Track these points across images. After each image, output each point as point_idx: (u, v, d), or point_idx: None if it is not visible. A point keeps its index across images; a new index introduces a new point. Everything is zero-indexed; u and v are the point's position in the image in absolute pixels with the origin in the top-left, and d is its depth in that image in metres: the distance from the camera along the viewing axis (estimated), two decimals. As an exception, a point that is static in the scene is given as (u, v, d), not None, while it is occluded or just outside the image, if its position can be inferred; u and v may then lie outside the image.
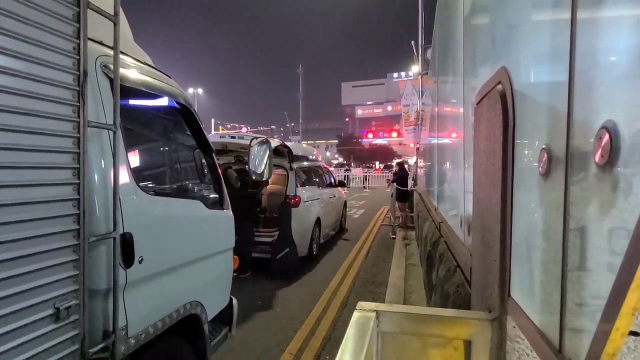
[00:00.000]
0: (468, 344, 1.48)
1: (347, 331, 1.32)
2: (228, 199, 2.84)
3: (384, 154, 59.12)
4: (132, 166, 1.86)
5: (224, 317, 2.84)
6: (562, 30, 0.96)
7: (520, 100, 1.31)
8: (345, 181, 15.48)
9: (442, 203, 4.50)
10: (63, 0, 1.43)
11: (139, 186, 1.87)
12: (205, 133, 2.69)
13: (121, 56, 1.76)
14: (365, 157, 60.68)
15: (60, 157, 1.44)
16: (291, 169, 6.37)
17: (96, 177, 1.60)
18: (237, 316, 3.03)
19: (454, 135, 3.57)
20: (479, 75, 2.13)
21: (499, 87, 1.46)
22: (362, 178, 30.21)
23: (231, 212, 2.85)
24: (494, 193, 1.48)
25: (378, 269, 6.53)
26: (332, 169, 14.75)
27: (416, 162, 13.33)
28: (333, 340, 3.88)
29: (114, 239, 1.62)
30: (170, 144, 2.62)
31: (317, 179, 8.14)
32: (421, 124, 11.54)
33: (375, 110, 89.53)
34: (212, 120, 42.29)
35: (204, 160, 2.68)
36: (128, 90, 1.85)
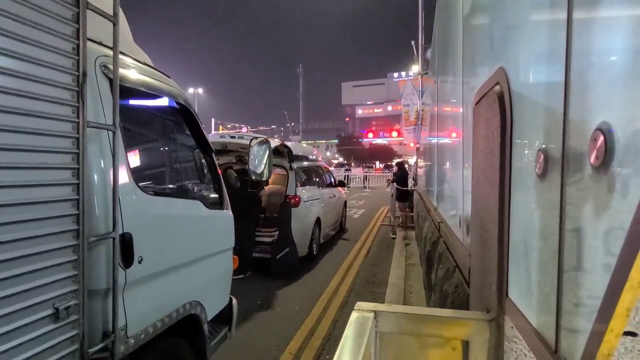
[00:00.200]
0: (466, 344, 1.48)
1: (346, 331, 1.33)
2: (228, 199, 2.84)
3: (384, 153, 59.09)
4: (131, 166, 1.86)
5: (224, 317, 2.84)
6: (558, 31, 0.96)
7: (517, 101, 1.32)
8: (346, 181, 15.49)
9: (442, 203, 4.50)
10: (62, 0, 1.44)
11: (139, 186, 1.87)
12: (205, 133, 2.69)
13: (121, 56, 1.76)
14: (366, 157, 60.67)
15: (59, 158, 1.44)
16: (291, 168, 6.37)
17: (95, 177, 1.61)
18: (237, 316, 3.03)
19: (453, 135, 3.57)
20: (477, 75, 2.14)
21: (497, 87, 1.46)
22: (362, 178, 30.20)
23: (231, 212, 2.86)
24: (492, 193, 1.48)
25: (378, 269, 6.53)
26: (332, 168, 14.76)
27: (416, 162, 13.33)
28: (333, 340, 3.88)
29: (114, 239, 1.63)
30: (170, 144, 2.62)
31: (317, 179, 8.14)
32: (421, 124, 11.55)
33: (376, 110, 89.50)
34: (212, 120, 42.30)
35: (203, 160, 2.69)
36: (127, 91, 1.86)
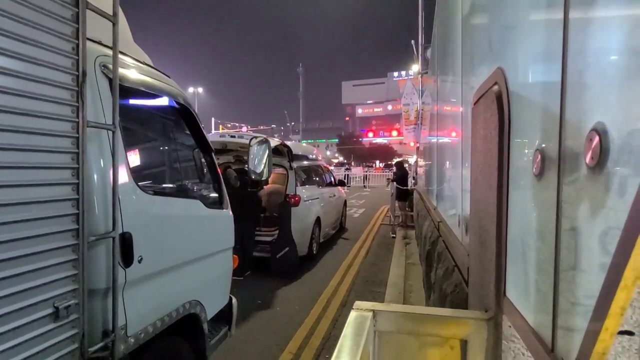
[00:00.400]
0: (464, 344, 1.49)
1: (344, 330, 1.33)
2: (227, 199, 2.85)
3: (385, 153, 59.11)
4: (131, 166, 1.87)
5: (224, 316, 2.85)
6: (555, 32, 0.96)
7: (515, 101, 1.32)
8: (345, 180, 15.48)
9: (441, 202, 4.51)
10: (62, 1, 1.44)
11: (138, 186, 1.88)
12: (205, 132, 2.70)
13: (120, 56, 1.76)
14: (366, 156, 60.67)
15: (59, 157, 1.45)
16: (291, 168, 6.37)
17: (95, 176, 1.61)
18: (237, 315, 3.04)
19: (453, 134, 3.58)
20: (476, 75, 2.14)
21: (495, 87, 1.46)
22: (362, 177, 30.20)
23: (231, 212, 2.87)
24: (490, 193, 1.49)
25: (378, 268, 6.54)
26: (332, 168, 14.77)
27: (416, 161, 13.33)
28: (333, 339, 3.89)
29: (113, 238, 1.63)
30: (170, 143, 2.63)
31: (317, 178, 8.15)
32: (421, 123, 11.55)
33: (376, 109, 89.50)
34: (212, 119, 42.28)
35: (203, 160, 2.69)
36: (127, 90, 1.86)
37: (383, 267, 6.59)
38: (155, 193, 2.10)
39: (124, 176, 1.76)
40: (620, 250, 0.65)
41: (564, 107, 0.91)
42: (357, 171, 35.14)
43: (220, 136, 6.34)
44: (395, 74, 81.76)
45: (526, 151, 1.22)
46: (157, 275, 1.99)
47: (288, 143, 6.80)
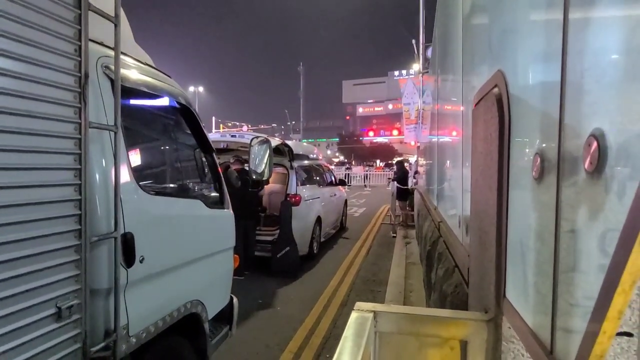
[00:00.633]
0: (464, 344, 1.50)
1: (345, 331, 1.34)
2: (228, 198, 2.86)
3: (385, 152, 59.04)
4: (133, 166, 1.87)
5: (225, 316, 2.86)
6: (555, 35, 0.97)
7: (515, 103, 1.32)
8: (346, 180, 15.47)
9: (442, 202, 4.51)
10: (64, 2, 1.45)
11: (140, 186, 1.89)
12: (206, 132, 2.71)
13: (122, 57, 1.77)
14: (366, 155, 60.59)
15: (62, 159, 1.45)
16: (292, 167, 6.38)
17: (97, 177, 1.62)
18: (238, 315, 3.05)
19: (453, 134, 3.58)
20: (477, 76, 2.15)
21: (496, 90, 1.47)
22: (362, 176, 30.19)
23: (231, 211, 2.87)
24: (490, 194, 1.49)
25: (378, 268, 6.55)
26: (332, 167, 14.77)
27: (417, 161, 13.32)
28: (333, 339, 3.90)
29: (115, 238, 1.64)
30: (171, 143, 2.64)
31: (318, 178, 8.15)
32: (422, 123, 11.53)
33: (376, 109, 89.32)
34: (213, 118, 42.25)
35: (204, 160, 2.70)
36: (129, 91, 1.87)
37: (383, 266, 6.60)
38: (157, 193, 2.11)
39: (125, 177, 1.77)
40: (618, 253, 0.66)
41: (563, 112, 0.91)
42: (357, 170, 35.11)
43: (221, 136, 6.36)
44: (396, 73, 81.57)
45: (526, 153, 1.23)
46: (159, 275, 1.99)
47: (289, 142, 6.80)
